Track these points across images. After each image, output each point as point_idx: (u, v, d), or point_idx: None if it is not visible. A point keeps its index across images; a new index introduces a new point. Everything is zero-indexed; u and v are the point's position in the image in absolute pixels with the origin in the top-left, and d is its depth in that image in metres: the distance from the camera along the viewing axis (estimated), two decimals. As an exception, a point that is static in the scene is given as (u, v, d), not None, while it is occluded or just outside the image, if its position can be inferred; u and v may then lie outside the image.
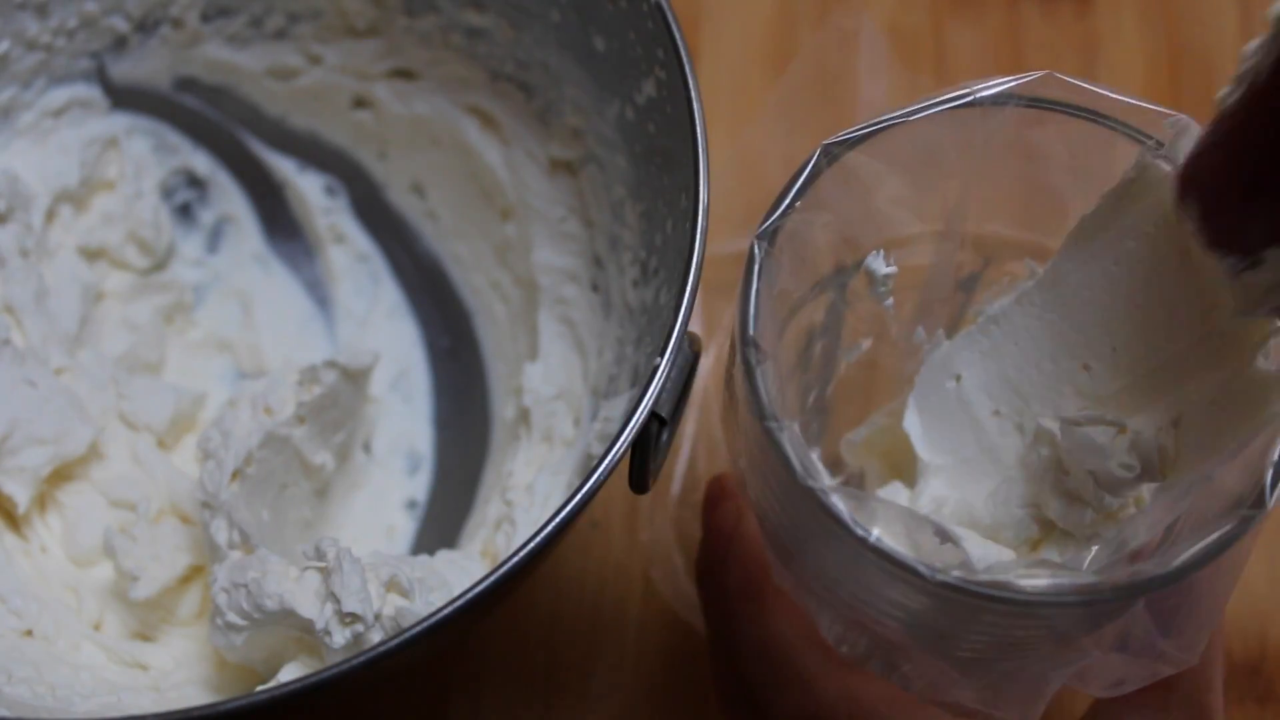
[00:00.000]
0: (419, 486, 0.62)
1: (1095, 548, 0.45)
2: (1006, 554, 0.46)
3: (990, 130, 0.46)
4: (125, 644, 0.54)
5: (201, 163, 0.64)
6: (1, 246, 0.58)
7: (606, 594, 0.61)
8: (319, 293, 0.65)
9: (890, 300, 0.50)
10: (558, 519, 0.42)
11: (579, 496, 0.43)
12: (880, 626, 0.45)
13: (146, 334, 0.62)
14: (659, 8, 0.50)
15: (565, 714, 0.59)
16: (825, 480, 0.42)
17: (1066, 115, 0.46)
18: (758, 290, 0.45)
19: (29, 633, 0.52)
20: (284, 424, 0.55)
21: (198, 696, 0.52)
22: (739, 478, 0.49)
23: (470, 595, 0.41)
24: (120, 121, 0.62)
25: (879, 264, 0.49)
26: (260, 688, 0.44)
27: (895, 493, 0.50)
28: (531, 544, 0.42)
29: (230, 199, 0.65)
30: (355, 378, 0.58)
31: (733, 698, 0.51)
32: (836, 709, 0.46)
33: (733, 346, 0.46)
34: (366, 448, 0.62)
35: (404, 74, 0.62)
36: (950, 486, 0.49)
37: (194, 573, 0.55)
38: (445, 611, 0.41)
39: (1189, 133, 0.42)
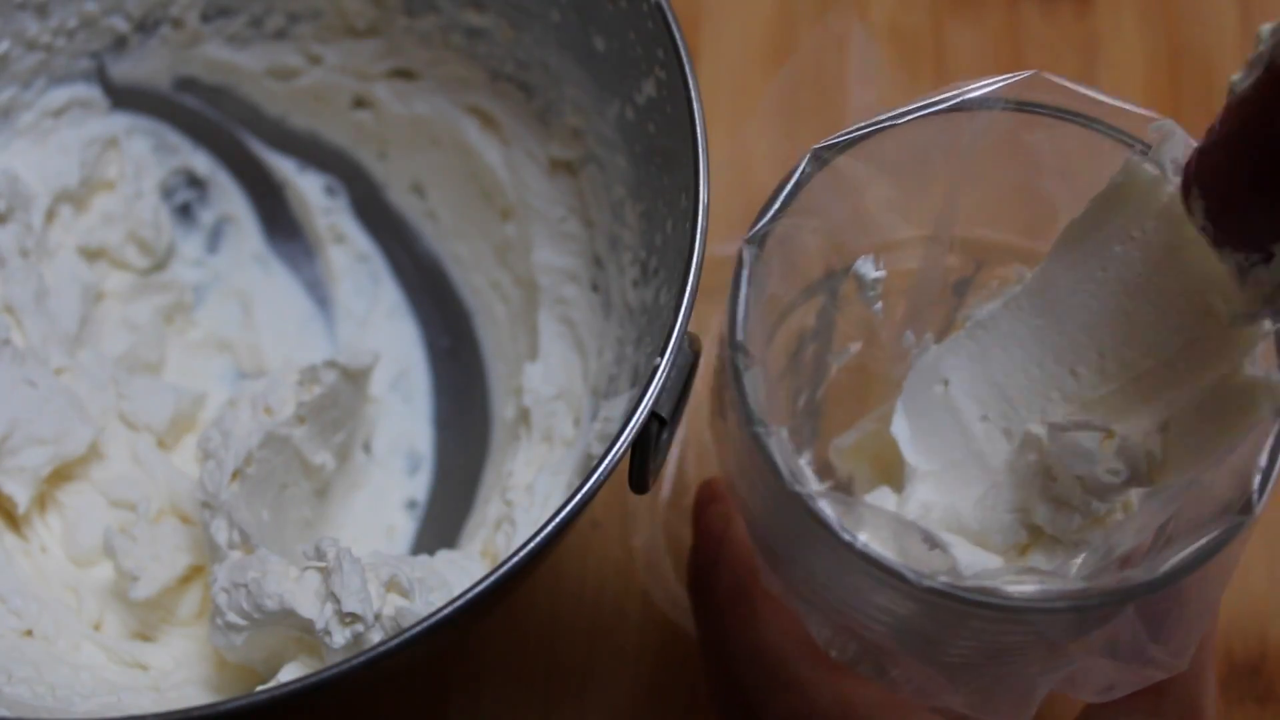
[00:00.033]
0: (419, 486, 0.62)
1: (1083, 554, 0.45)
2: (994, 560, 0.46)
3: (977, 132, 0.46)
4: (125, 644, 0.54)
5: (201, 163, 0.64)
6: (1, 246, 0.58)
7: (606, 594, 0.61)
8: (319, 293, 0.65)
9: (879, 304, 0.50)
10: (558, 519, 0.42)
11: (579, 496, 0.43)
12: (868, 631, 0.45)
13: (146, 334, 0.62)
14: (659, 8, 0.50)
15: (565, 714, 0.59)
16: (813, 485, 0.43)
17: (1054, 118, 0.46)
18: (746, 295, 0.45)
19: (29, 633, 0.52)
20: (284, 424, 0.55)
21: (198, 696, 0.52)
22: (728, 482, 0.49)
23: (470, 595, 0.41)
24: (120, 121, 0.62)
25: (868, 268, 0.49)
26: (260, 688, 0.44)
27: (883, 498, 0.50)
28: (531, 544, 0.42)
29: (230, 199, 0.65)
30: (355, 378, 0.58)
31: (726, 702, 0.51)
32: (829, 713, 0.46)
33: (721, 351, 0.46)
34: (366, 448, 0.62)
35: (404, 74, 0.62)
36: (938, 492, 0.49)
37: (194, 573, 0.55)
38: (445, 611, 0.41)
39: (1174, 137, 0.42)
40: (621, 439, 0.43)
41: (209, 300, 0.64)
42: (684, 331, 0.45)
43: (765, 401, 0.44)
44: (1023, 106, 0.46)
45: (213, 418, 0.58)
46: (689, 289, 0.45)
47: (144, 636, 0.55)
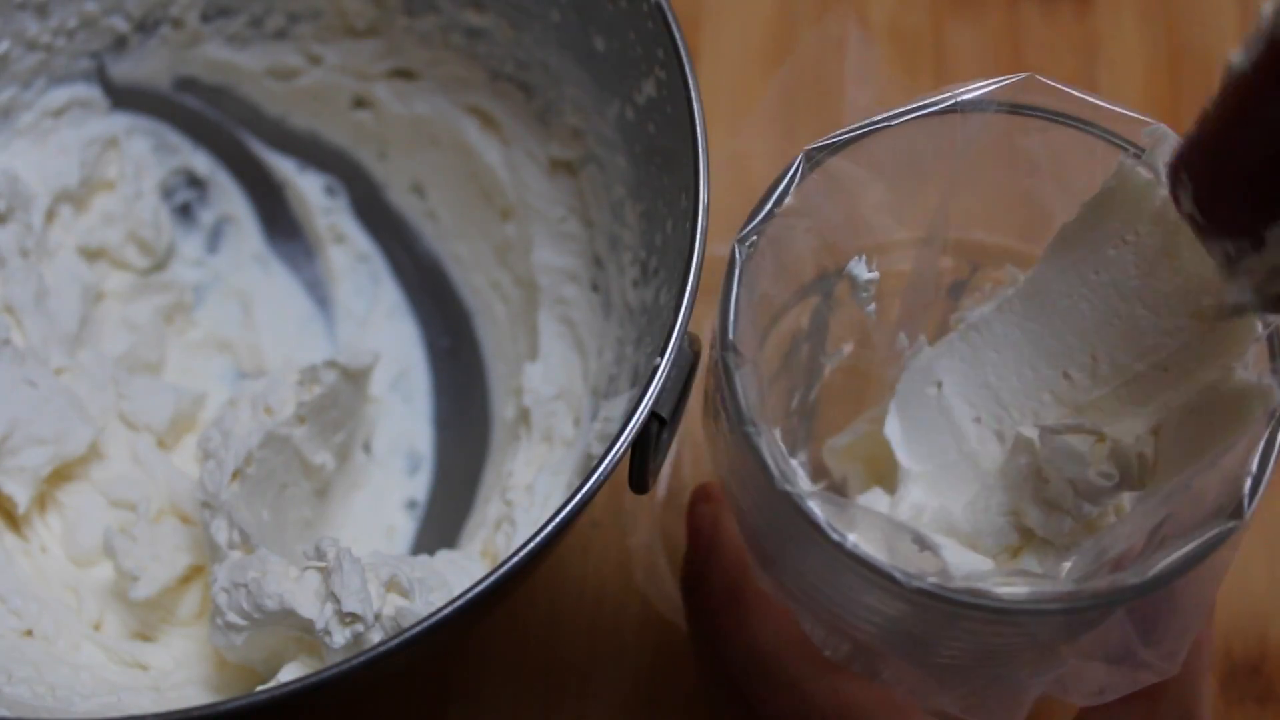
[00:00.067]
0: (419, 486, 0.62)
1: (1074, 556, 0.45)
2: (984, 562, 0.46)
3: (971, 135, 0.46)
4: (125, 644, 0.54)
5: (201, 163, 0.64)
6: (1, 246, 0.58)
7: (606, 594, 0.61)
8: (319, 293, 0.65)
9: (872, 306, 0.50)
10: (558, 519, 0.42)
11: (579, 496, 0.43)
12: (858, 632, 0.45)
13: (146, 334, 0.62)
14: (659, 8, 0.50)
15: (565, 714, 0.59)
16: (803, 485, 0.42)
17: (1048, 121, 0.46)
18: (738, 294, 0.45)
19: (29, 633, 0.52)
20: (284, 424, 0.55)
21: (198, 696, 0.52)
22: (720, 481, 0.49)
23: (470, 595, 0.41)
24: (120, 121, 0.62)
25: (861, 269, 0.49)
26: (260, 688, 0.44)
27: (875, 499, 0.50)
28: (531, 544, 0.42)
29: (230, 199, 0.65)
30: (355, 378, 0.58)
31: (721, 702, 0.51)
32: (826, 713, 0.46)
33: (712, 350, 0.46)
34: (366, 448, 0.62)
35: (404, 74, 0.62)
36: (930, 493, 0.49)
37: (194, 573, 0.55)
38: (445, 611, 0.41)
39: (1167, 141, 0.42)
40: (621, 439, 0.43)
41: (209, 300, 0.64)
42: (684, 331, 0.45)
43: (757, 401, 0.44)
44: (1016, 109, 0.46)
45: (213, 418, 0.58)
46: (689, 289, 0.45)
47: (144, 636, 0.55)
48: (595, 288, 0.58)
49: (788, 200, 0.46)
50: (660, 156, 0.52)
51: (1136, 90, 0.72)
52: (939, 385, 0.49)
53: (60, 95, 0.60)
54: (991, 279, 0.50)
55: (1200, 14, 0.73)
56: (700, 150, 0.48)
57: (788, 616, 0.48)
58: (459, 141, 0.61)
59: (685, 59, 0.49)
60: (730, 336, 0.44)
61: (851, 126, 0.46)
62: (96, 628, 0.54)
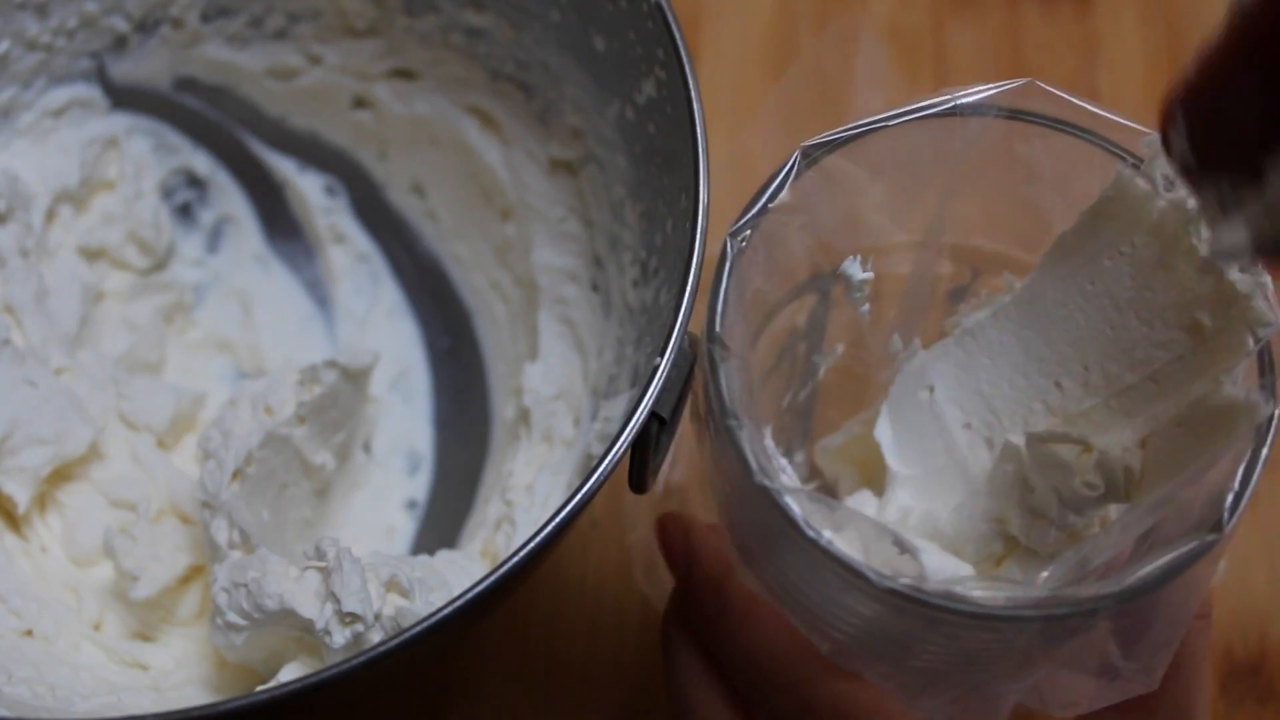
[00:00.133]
0: (419, 486, 0.62)
1: (1054, 564, 0.45)
2: (965, 568, 0.46)
3: (969, 139, 0.46)
4: (125, 644, 0.54)
5: (201, 163, 0.64)
6: (1, 246, 0.58)
7: (606, 593, 0.61)
8: (319, 293, 0.65)
9: (866, 306, 0.50)
10: (558, 519, 0.42)
11: (579, 496, 0.43)
12: (838, 633, 0.45)
13: (146, 334, 0.62)
14: (659, 8, 0.50)
15: (565, 714, 0.59)
16: (785, 480, 0.42)
17: (1047, 128, 0.46)
18: (727, 289, 0.45)
19: (29, 633, 0.52)
20: (284, 424, 0.55)
21: (198, 696, 0.52)
22: (707, 477, 0.48)
23: (470, 595, 0.41)
24: (120, 121, 0.62)
25: (855, 269, 0.49)
26: (260, 688, 0.44)
27: (864, 501, 0.50)
28: (531, 544, 0.42)
29: (230, 199, 0.65)
30: (355, 378, 0.58)
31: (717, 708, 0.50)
32: (823, 714, 0.46)
33: (699, 345, 0.45)
34: (366, 448, 0.62)
35: (404, 74, 0.62)
36: (917, 497, 0.49)
37: (194, 573, 0.55)
38: (445, 611, 0.41)
39: None
40: (621, 439, 0.43)
41: (209, 300, 0.65)
42: (684, 331, 0.45)
43: (741, 395, 0.44)
44: (1016, 114, 0.46)
45: (213, 418, 0.58)
46: (689, 289, 0.45)
47: (144, 636, 0.55)
48: (595, 288, 0.58)
49: (783, 196, 0.46)
50: (660, 156, 0.52)
51: (1136, 90, 0.72)
52: (931, 390, 0.49)
53: (60, 95, 0.60)
54: (989, 285, 0.50)
55: (1200, 14, 0.73)
56: (700, 150, 0.48)
57: (781, 618, 0.48)
58: (459, 141, 0.61)
59: (685, 59, 0.49)
60: (717, 330, 0.44)
61: (849, 125, 0.46)
62: (96, 628, 0.54)
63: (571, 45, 0.55)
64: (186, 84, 0.63)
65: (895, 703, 0.46)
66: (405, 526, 0.61)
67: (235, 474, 0.53)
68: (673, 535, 0.51)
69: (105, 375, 0.59)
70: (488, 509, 0.58)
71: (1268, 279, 0.42)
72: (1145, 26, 0.73)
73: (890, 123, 0.46)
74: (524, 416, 0.58)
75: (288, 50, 0.62)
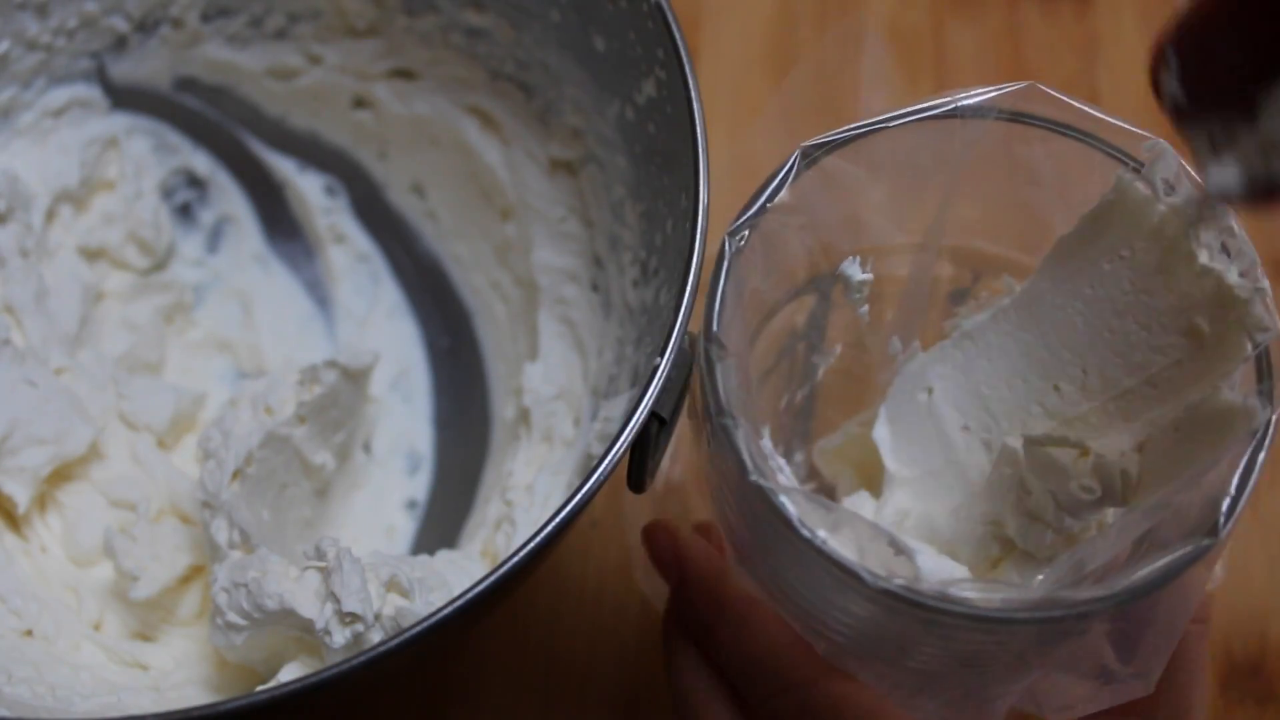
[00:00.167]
0: (419, 486, 0.62)
1: (1049, 567, 0.45)
2: (960, 570, 0.46)
3: (970, 140, 0.46)
4: (125, 644, 0.54)
5: (201, 163, 0.64)
6: (1, 246, 0.58)
7: (606, 594, 0.61)
8: (319, 293, 0.65)
9: (865, 308, 0.50)
10: (558, 519, 0.42)
11: (579, 496, 0.43)
12: (833, 634, 0.45)
13: (146, 334, 0.62)
14: (659, 8, 0.50)
15: (565, 714, 0.59)
16: (781, 480, 0.42)
17: (1048, 131, 0.46)
18: (724, 287, 0.45)
19: (29, 633, 0.52)
20: (284, 424, 0.55)
21: (198, 696, 0.52)
22: (704, 475, 0.48)
23: (470, 595, 0.41)
24: (120, 121, 0.62)
25: (855, 270, 0.49)
26: (260, 688, 0.44)
27: (861, 502, 0.50)
28: (531, 544, 0.42)
29: (230, 199, 0.65)
30: (355, 378, 0.58)
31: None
32: (822, 714, 0.46)
33: (696, 344, 0.45)
34: (366, 448, 0.62)
35: (404, 74, 0.62)
36: (915, 499, 0.49)
37: (194, 573, 0.55)
38: (445, 611, 0.41)
39: (1166, 157, 0.42)
40: (621, 439, 0.43)
41: (209, 300, 0.64)
42: (684, 331, 0.45)
43: (737, 394, 0.44)
44: (1017, 117, 0.46)
45: (213, 418, 0.58)
46: (689, 289, 0.45)
47: (144, 636, 0.55)
48: (595, 288, 0.58)
49: (782, 196, 0.46)
50: (660, 156, 0.52)
51: (1137, 90, 0.72)
52: (930, 391, 0.49)
53: (60, 95, 0.60)
54: (990, 288, 0.50)
55: (1200, 14, 0.73)
56: (700, 150, 0.48)
57: (778, 620, 0.47)
58: (459, 141, 0.61)
59: (685, 59, 0.49)
60: (714, 329, 0.44)
61: (849, 126, 0.46)
62: (96, 628, 0.54)
63: (571, 45, 0.55)
64: (186, 84, 0.63)
65: (893, 704, 0.46)
66: (405, 526, 0.61)
67: (235, 474, 0.53)
68: (661, 544, 0.51)
69: (105, 375, 0.59)
70: (488, 509, 0.58)
71: (1266, 284, 0.42)
72: (1145, 26, 0.73)
73: (891, 124, 0.46)
74: (524, 416, 0.58)
75: (288, 50, 0.62)
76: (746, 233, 0.46)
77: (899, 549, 0.42)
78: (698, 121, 0.48)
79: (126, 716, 0.40)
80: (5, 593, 0.52)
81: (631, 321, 0.54)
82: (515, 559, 0.42)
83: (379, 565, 0.48)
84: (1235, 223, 0.42)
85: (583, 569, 0.61)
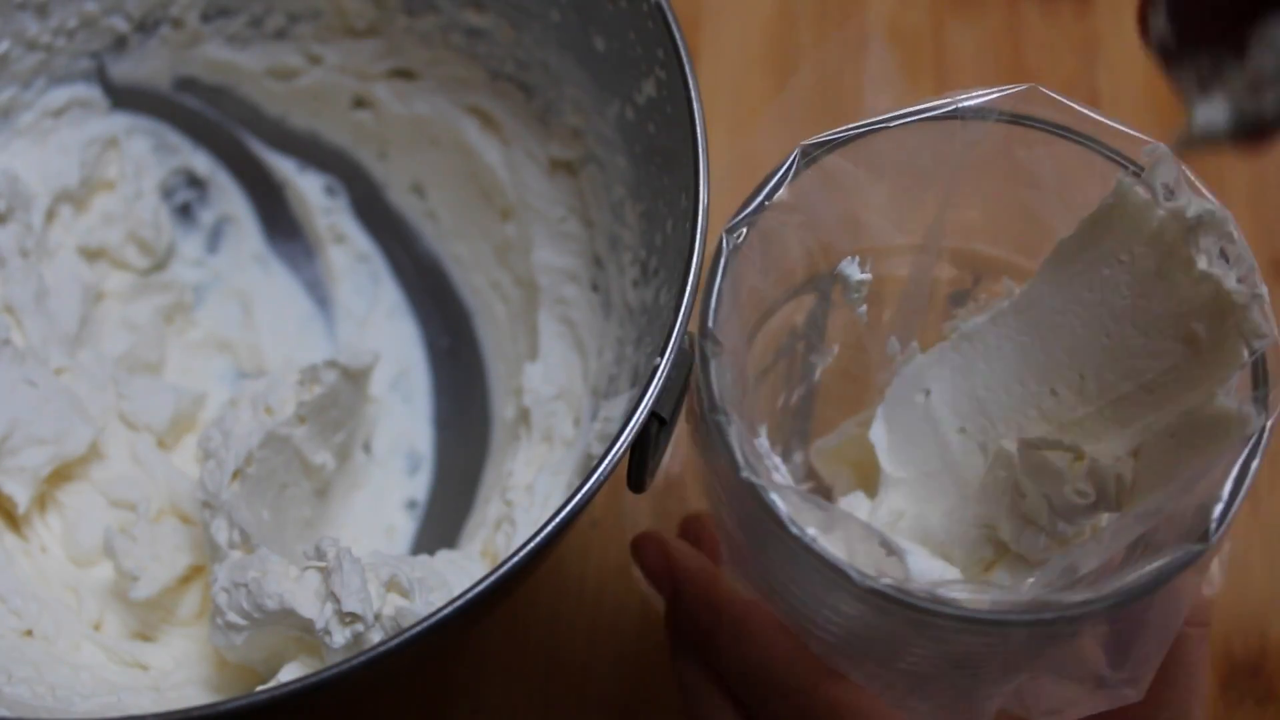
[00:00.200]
0: (419, 486, 0.62)
1: (1041, 570, 0.45)
2: (952, 571, 0.46)
3: (970, 142, 0.46)
4: (125, 644, 0.54)
5: (201, 163, 0.64)
6: (1, 246, 0.58)
7: (606, 593, 0.61)
8: (319, 293, 0.65)
9: (863, 308, 0.50)
10: (558, 519, 0.42)
11: (579, 496, 0.43)
12: (824, 633, 0.45)
13: (146, 334, 0.62)
14: (659, 8, 0.50)
15: (565, 714, 0.59)
16: (777, 478, 0.42)
17: (1047, 133, 0.46)
18: (721, 284, 0.45)
19: (29, 633, 0.52)
20: (284, 424, 0.55)
21: (198, 696, 0.52)
22: (698, 473, 0.48)
23: (470, 595, 0.41)
24: (120, 121, 0.62)
25: (853, 270, 0.49)
26: (260, 688, 0.44)
27: (857, 502, 0.50)
28: (531, 544, 0.42)
29: (230, 199, 0.65)
30: (355, 378, 0.58)
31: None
32: (822, 718, 0.46)
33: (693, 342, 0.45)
34: (366, 448, 0.62)
35: (404, 74, 0.62)
36: (910, 500, 0.49)
37: (194, 573, 0.55)
38: (445, 611, 0.41)
39: (1166, 161, 0.42)
40: (621, 439, 0.43)
41: (209, 300, 0.64)
42: (684, 331, 0.45)
43: (732, 392, 0.44)
44: (1017, 119, 0.46)
45: (213, 418, 0.58)
46: (689, 289, 0.45)
47: (144, 636, 0.55)
48: (595, 288, 0.58)
49: (781, 195, 0.46)
50: (660, 156, 0.52)
51: (1136, 90, 0.72)
52: (927, 393, 0.49)
53: (60, 95, 0.60)
54: (990, 291, 0.50)
55: (1200, 14, 0.73)
56: (700, 150, 0.48)
57: (776, 626, 0.47)
58: (459, 141, 0.61)
59: (685, 59, 0.49)
60: (710, 325, 0.44)
61: (849, 125, 0.46)
62: (96, 628, 0.54)
63: (571, 45, 0.55)
64: (186, 84, 0.63)
65: (891, 708, 0.46)
66: (405, 526, 0.61)
67: (235, 474, 0.53)
68: (651, 555, 0.51)
69: (105, 375, 0.59)
70: (488, 509, 0.58)
71: (1264, 290, 0.42)
72: (1145, 27, 0.73)
73: (891, 124, 0.46)
74: (524, 416, 0.58)
75: (288, 50, 0.62)
76: (744, 230, 0.45)
77: (890, 549, 0.42)
78: (698, 121, 0.48)
79: (126, 716, 0.40)
80: (5, 593, 0.52)
81: (631, 321, 0.54)
82: (515, 559, 0.42)
83: (379, 565, 0.48)
84: (1235, 229, 0.42)
85: (583, 569, 0.61)
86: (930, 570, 0.44)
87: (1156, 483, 0.43)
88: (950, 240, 0.50)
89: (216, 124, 0.64)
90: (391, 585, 0.48)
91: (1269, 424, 0.42)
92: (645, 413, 0.44)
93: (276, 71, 0.62)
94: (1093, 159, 0.46)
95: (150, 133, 0.63)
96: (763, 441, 0.50)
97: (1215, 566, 0.50)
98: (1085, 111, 0.45)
